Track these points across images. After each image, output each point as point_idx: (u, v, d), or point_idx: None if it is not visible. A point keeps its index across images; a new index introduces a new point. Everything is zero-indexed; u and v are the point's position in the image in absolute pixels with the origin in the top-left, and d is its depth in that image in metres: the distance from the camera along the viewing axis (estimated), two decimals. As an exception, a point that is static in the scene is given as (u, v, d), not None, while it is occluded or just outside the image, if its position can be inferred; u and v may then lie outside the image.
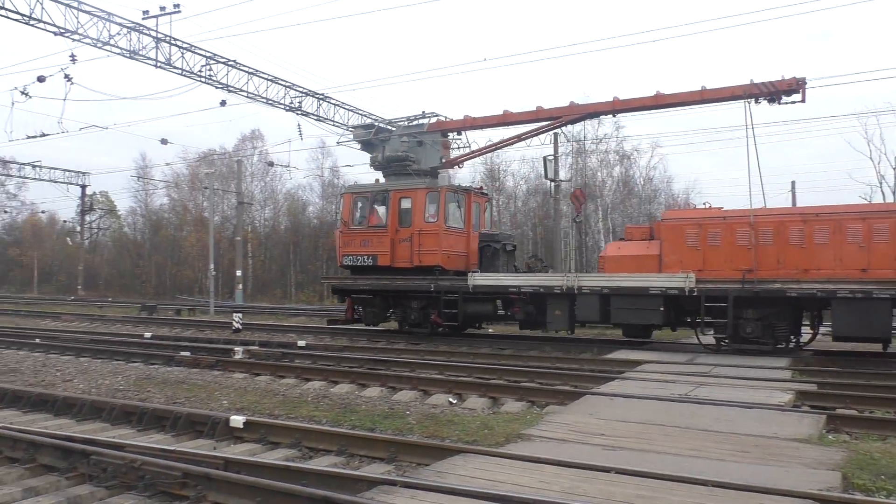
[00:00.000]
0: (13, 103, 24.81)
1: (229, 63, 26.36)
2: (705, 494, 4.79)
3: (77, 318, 25.16)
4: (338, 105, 30.94)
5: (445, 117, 20.30)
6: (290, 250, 54.64)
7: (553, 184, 28.63)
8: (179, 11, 23.28)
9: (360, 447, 6.60)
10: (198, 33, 42.89)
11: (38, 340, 16.26)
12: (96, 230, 63.53)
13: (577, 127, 42.81)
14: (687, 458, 5.85)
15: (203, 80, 25.64)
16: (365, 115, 32.05)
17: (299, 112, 29.19)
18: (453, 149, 20.41)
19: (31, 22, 21.14)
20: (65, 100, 23.70)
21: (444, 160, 19.42)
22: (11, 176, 53.59)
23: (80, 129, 30.89)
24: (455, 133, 20.44)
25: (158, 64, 24.17)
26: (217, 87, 26.15)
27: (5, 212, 68.05)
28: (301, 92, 29.28)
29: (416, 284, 17.41)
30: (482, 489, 4.79)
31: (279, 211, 59.14)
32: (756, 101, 14.91)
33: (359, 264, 18.46)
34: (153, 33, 23.69)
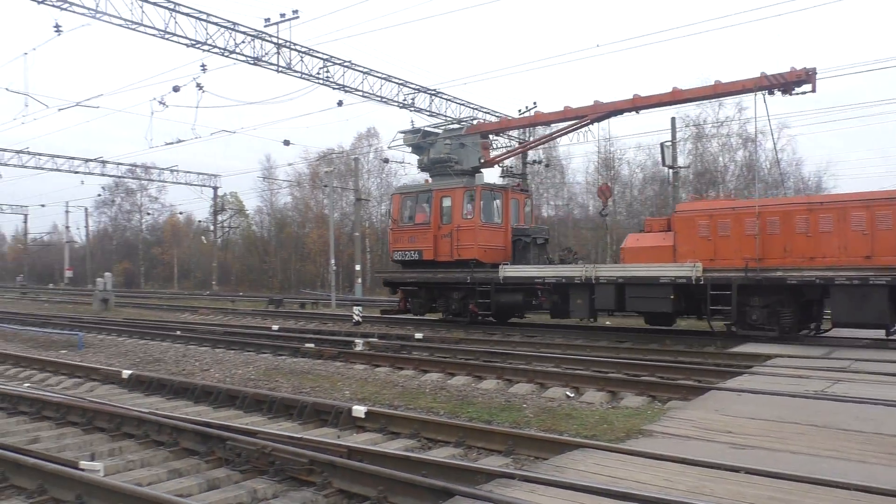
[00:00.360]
0: (152, 113, 26.69)
1: (345, 64, 27.16)
2: (847, 499, 4.46)
3: (212, 312, 26.78)
4: (449, 100, 31.20)
5: (529, 109, 21.64)
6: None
7: (671, 171, 27.63)
8: (298, 17, 24.20)
9: (478, 439, 6.63)
10: (315, 37, 44.51)
11: (178, 332, 17.43)
12: (227, 229, 67.32)
13: (696, 110, 41.16)
14: (824, 458, 5.47)
15: (321, 81, 26.56)
16: (476, 109, 32.16)
17: (412, 108, 29.69)
18: (494, 149, 21.37)
19: (167, 36, 22.63)
20: (197, 107, 25.23)
21: (482, 160, 20.67)
22: (153, 180, 57.89)
23: (211, 135, 32.88)
24: (494, 134, 21.39)
25: (280, 69, 25.25)
26: (334, 88, 27.01)
27: (148, 213, 73.53)
28: (414, 89, 29.74)
29: (454, 277, 18.86)
30: (602, 485, 4.69)
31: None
32: (770, 93, 15.22)
33: (407, 259, 20.16)
34: (274, 40, 24.76)
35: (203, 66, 24.03)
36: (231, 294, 45.40)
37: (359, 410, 7.41)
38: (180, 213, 69.64)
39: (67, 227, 68.47)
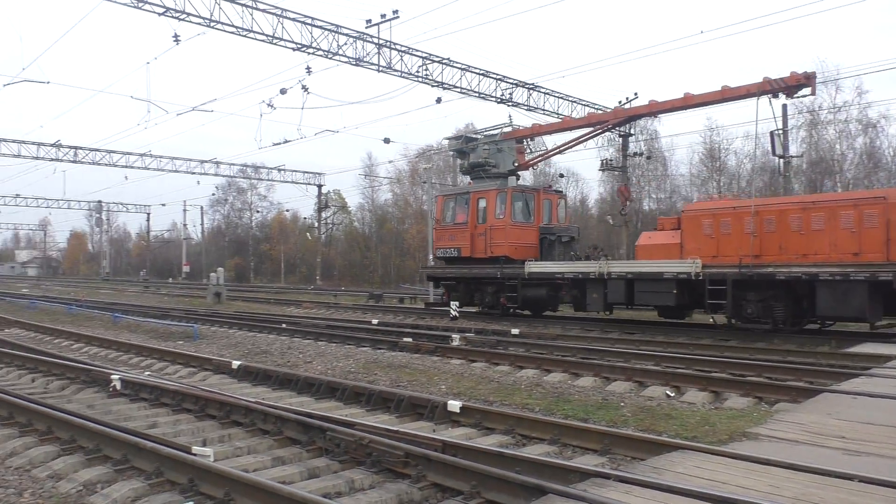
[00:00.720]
0: (261, 115, 27.96)
1: (443, 62, 27.36)
2: (974, 514, 4.12)
3: (315, 306, 27.68)
4: (547, 93, 30.86)
5: (630, 100, 22.99)
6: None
7: (782, 160, 26.27)
8: (398, 17, 24.59)
9: (573, 437, 6.54)
10: (414, 35, 45.04)
11: (284, 325, 18.11)
12: (331, 225, 69.40)
13: (810, 97, 38.87)
14: (950, 470, 5.06)
15: (420, 79, 26.89)
16: (575, 102, 31.64)
17: (510, 103, 29.58)
18: (530, 152, 23.88)
19: (274, 41, 23.54)
20: (302, 108, 26.19)
21: (516, 164, 22.62)
22: (262, 179, 60.42)
23: (316, 134, 33.97)
24: (528, 139, 23.76)
25: (380, 68, 25.74)
26: (433, 86, 27.28)
27: (258, 211, 76.89)
28: (511, 83, 29.60)
29: (486, 272, 20.76)
30: (702, 489, 4.52)
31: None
32: (775, 96, 16.24)
33: (448, 255, 22.24)
34: (375, 40, 25.26)
35: (308, 68, 24.84)
36: (333, 289, 46.78)
37: (454, 405, 7.47)
38: (287, 210, 72.29)
39: (185, 225, 72.49)
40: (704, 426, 6.96)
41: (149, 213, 77.47)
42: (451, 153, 25.13)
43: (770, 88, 16.52)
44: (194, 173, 50.62)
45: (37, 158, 44.01)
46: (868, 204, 13.88)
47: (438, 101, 27.38)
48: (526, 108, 30.13)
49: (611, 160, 32.16)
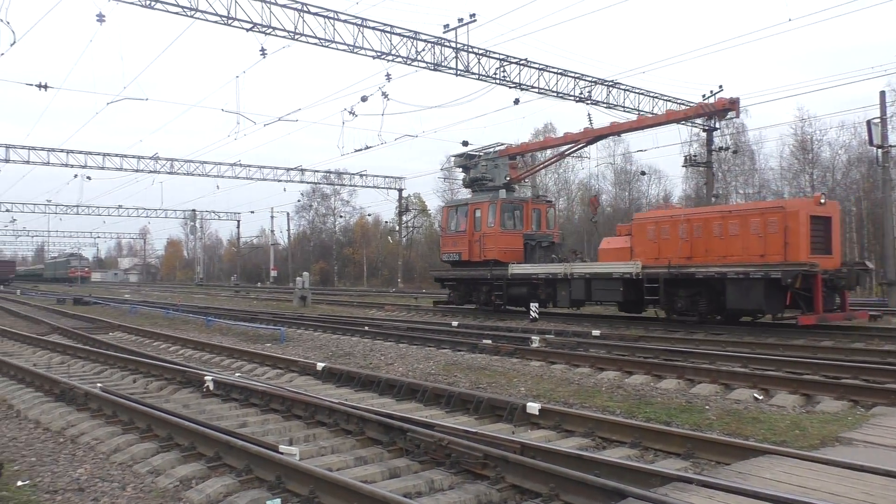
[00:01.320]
0: (343, 123, 28.56)
1: (521, 62, 27.29)
2: None
3: (397, 308, 28.09)
4: (627, 90, 30.29)
5: (714, 94, 25.23)
6: (584, 240, 54.89)
7: (880, 151, 24.86)
8: (475, 20, 24.70)
9: (655, 441, 6.41)
10: (491, 38, 45.21)
11: (366, 328, 18.47)
12: (411, 228, 70.22)
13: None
14: None
15: (497, 81, 26.91)
16: (656, 97, 30.92)
17: (589, 101, 29.19)
18: (521, 167, 27.94)
19: (355, 50, 24.07)
20: (382, 115, 26.61)
21: (507, 178, 25.98)
22: (345, 185, 61.72)
23: (396, 140, 34.48)
24: (520, 155, 27.79)
25: (458, 72, 25.92)
26: (510, 87, 27.26)
27: (340, 216, 78.69)
28: (590, 81, 29.22)
29: (480, 273, 24.27)
30: (791, 496, 4.36)
31: (572, 201, 59.84)
32: (709, 119, 20.55)
33: (451, 260, 25.73)
34: (453, 44, 25.45)
35: (388, 75, 25.26)
36: (414, 291, 47.32)
37: (533, 407, 7.45)
38: (369, 214, 73.86)
39: (272, 231, 75.05)
40: (794, 430, 6.69)
41: (239, 221, 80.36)
42: (458, 168, 28.94)
43: (703, 112, 20.41)
44: (281, 181, 52.38)
45: (137, 171, 46.60)
46: (770, 212, 16.62)
47: (516, 102, 27.32)
48: (605, 105, 29.67)
49: (695, 156, 31.29)
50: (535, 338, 14.51)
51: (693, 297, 17.70)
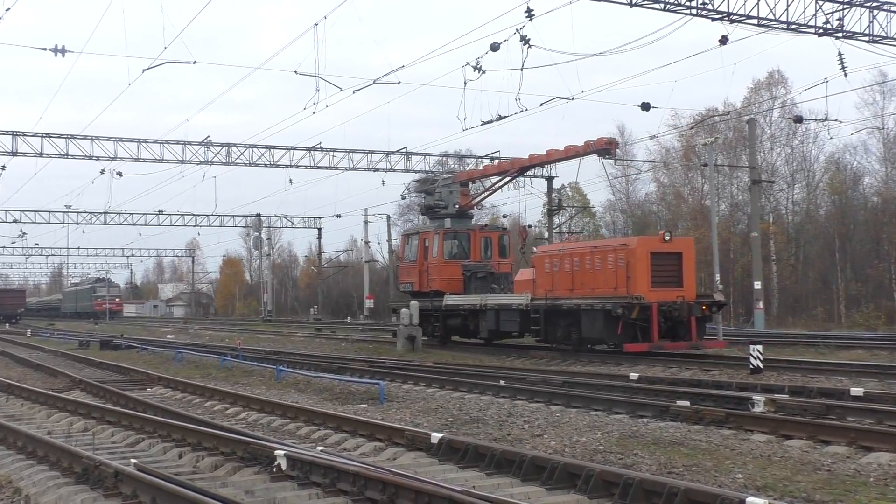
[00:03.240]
0: (465, 84, 28.87)
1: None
2: None
3: (547, 355, 28.07)
4: (899, 14, 28.85)
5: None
6: (836, 247, 52.54)
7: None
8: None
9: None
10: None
11: (502, 382, 18.58)
12: (568, 233, 69.92)
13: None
14: None
15: (694, 12, 26.31)
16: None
17: (840, 34, 28.01)
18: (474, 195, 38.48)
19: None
20: (522, 69, 26.76)
21: (456, 205, 35.07)
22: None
23: (541, 105, 34.45)
24: (472, 181, 38.66)
25: (633, 3, 25.57)
26: (713, 19, 26.61)
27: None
28: (840, 3, 27.97)
29: (425, 305, 32.74)
30: None
31: (815, 188, 57.39)
32: (599, 156, 29.94)
33: (407, 290, 35.48)
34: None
35: (529, 10, 25.06)
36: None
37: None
38: (504, 215, 74.08)
39: (367, 243, 76.02)
40: None
41: (320, 229, 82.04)
42: (417, 195, 40.15)
43: (590, 150, 29.78)
44: (378, 170, 53.51)
45: (182, 162, 49.09)
46: (619, 249, 26.10)
47: (723, 41, 26.60)
48: (867, 38, 28.35)
49: None
50: (759, 398, 14.10)
51: (567, 326, 26.88)
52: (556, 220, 61.65)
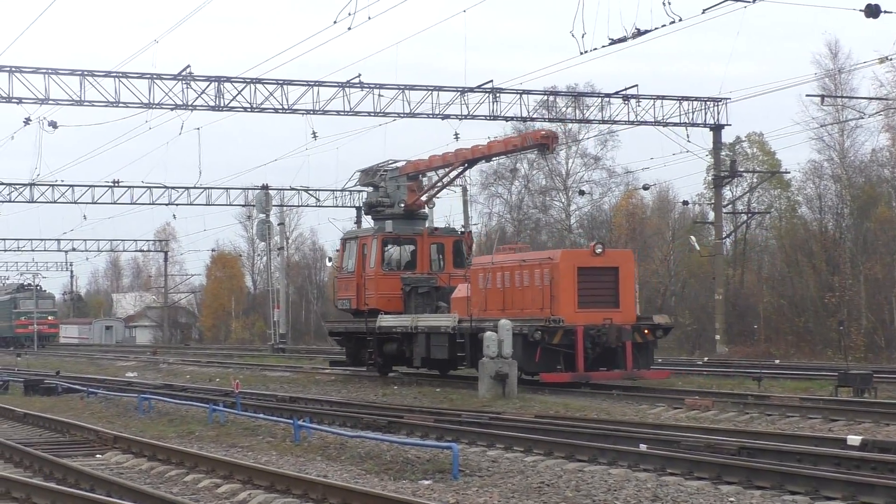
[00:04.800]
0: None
1: None
2: None
3: (716, 399, 27.73)
4: None
5: None
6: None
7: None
8: None
9: None
10: None
11: (643, 447, 18.32)
12: (747, 218, 69.00)
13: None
14: None
15: None
16: None
17: None
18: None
19: None
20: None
21: (402, 204, 41.15)
22: (587, 123, 62.19)
23: (704, 12, 34.03)
24: (422, 175, 43.55)
25: None
26: None
27: (583, 191, 79.63)
28: None
29: (354, 327, 40.86)
30: None
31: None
32: (539, 149, 38.67)
33: (344, 308, 42.50)
34: None
35: None
36: (753, 361, 46.62)
37: None
38: (645, 186, 73.64)
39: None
40: None
41: (359, 207, 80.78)
42: (366, 188, 46.04)
43: (530, 144, 38.09)
44: (448, 116, 53.62)
45: (149, 107, 49.29)
46: (544, 264, 32.45)
47: None
48: None
49: None
50: None
51: None
52: (727, 192, 61.11)
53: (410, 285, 38.81)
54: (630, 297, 32.52)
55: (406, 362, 39.40)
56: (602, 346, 30.43)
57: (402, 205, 41.08)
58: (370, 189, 44.28)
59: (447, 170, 41.42)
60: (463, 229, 44.03)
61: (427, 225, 43.15)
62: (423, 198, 43.42)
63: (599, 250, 32.19)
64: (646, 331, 32.06)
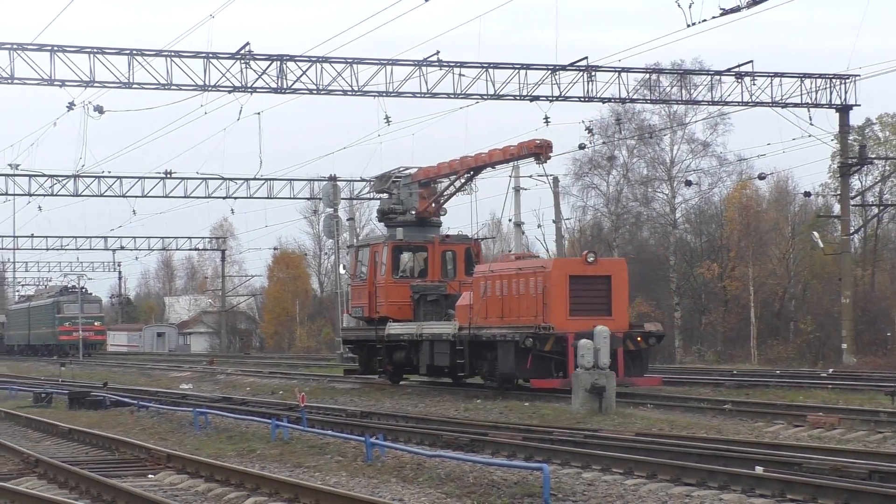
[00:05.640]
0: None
1: None
2: None
3: (842, 413, 27.53)
4: None
5: None
6: None
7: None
8: None
9: None
10: None
11: (759, 470, 18.20)
12: (879, 210, 68.34)
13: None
14: None
15: None
16: None
17: None
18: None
19: None
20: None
21: (413, 211, 46.81)
22: (695, 105, 61.92)
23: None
24: (433, 182, 48.44)
25: None
26: None
27: (690, 181, 79.27)
28: None
29: (365, 335, 47.87)
30: None
31: None
32: (537, 159, 42.18)
33: (358, 315, 48.56)
34: None
35: None
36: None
37: None
38: (761, 175, 73.10)
39: (518, 225, 76.41)
40: None
41: None
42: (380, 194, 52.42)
43: (525, 153, 41.81)
44: (537, 98, 54.01)
45: (204, 89, 49.91)
46: (537, 273, 38.05)
47: None
48: None
49: None
50: None
51: (493, 360, 37.63)
52: (855, 182, 60.63)
53: (419, 293, 43.73)
54: (623, 306, 37.49)
55: (415, 370, 44.96)
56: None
57: (414, 212, 46.56)
58: (384, 195, 49.40)
59: (454, 178, 46.24)
60: (476, 237, 50.23)
61: (440, 232, 47.60)
62: (433, 205, 47.69)
63: (591, 259, 37.12)
64: (638, 338, 36.61)
